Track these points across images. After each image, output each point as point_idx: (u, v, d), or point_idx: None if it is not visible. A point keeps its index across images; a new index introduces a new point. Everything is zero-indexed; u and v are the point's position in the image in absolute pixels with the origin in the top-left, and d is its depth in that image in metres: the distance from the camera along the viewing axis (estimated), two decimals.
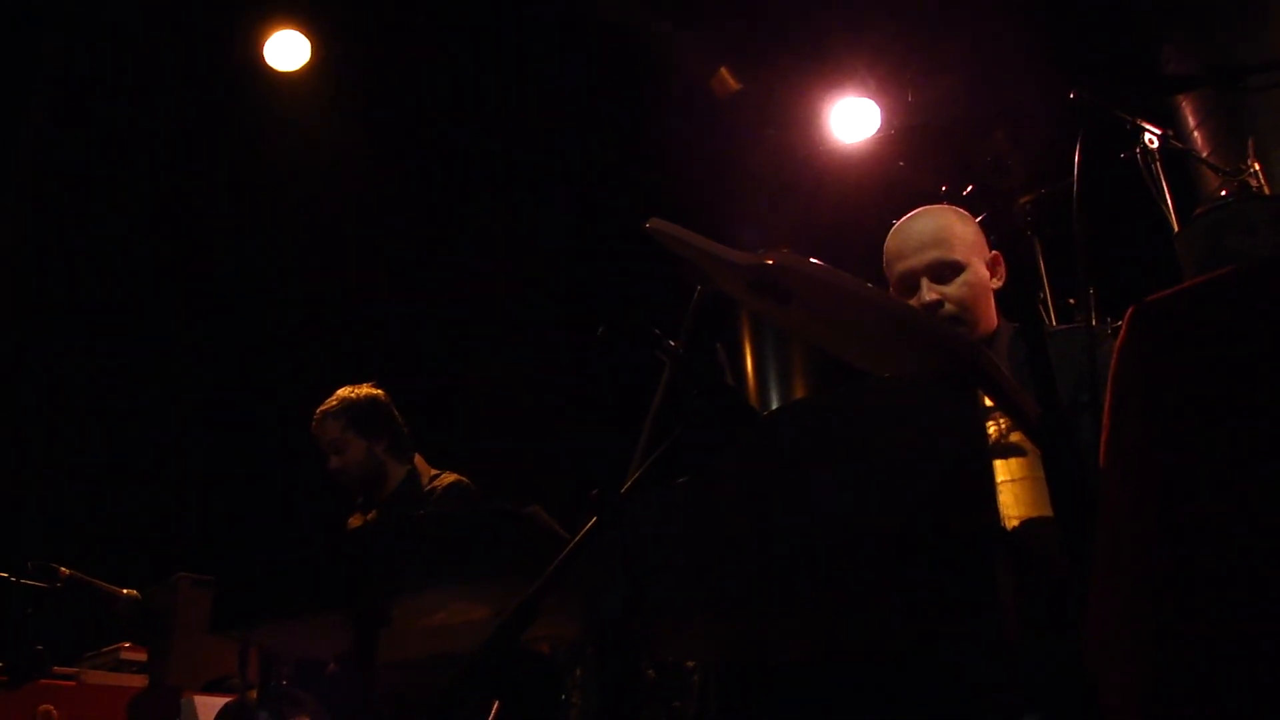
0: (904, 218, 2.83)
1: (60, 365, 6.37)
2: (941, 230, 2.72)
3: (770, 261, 1.81)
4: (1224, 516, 1.24)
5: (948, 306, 2.66)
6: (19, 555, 4.17)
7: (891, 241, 2.79)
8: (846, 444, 1.71)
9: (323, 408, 4.41)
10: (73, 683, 4.36)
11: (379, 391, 4.47)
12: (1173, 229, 3.73)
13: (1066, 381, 2.24)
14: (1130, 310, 1.32)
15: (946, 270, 2.67)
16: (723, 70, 7.33)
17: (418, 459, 4.47)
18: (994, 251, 2.77)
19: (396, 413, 4.48)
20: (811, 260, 1.79)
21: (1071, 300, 4.56)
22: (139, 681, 4.45)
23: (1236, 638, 1.21)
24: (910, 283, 2.71)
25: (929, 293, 2.66)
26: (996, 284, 2.77)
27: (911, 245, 2.71)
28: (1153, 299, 1.31)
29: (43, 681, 4.15)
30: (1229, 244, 1.59)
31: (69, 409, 6.33)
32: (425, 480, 4.39)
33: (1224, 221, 1.64)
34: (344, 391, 4.43)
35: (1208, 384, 1.28)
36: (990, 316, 2.74)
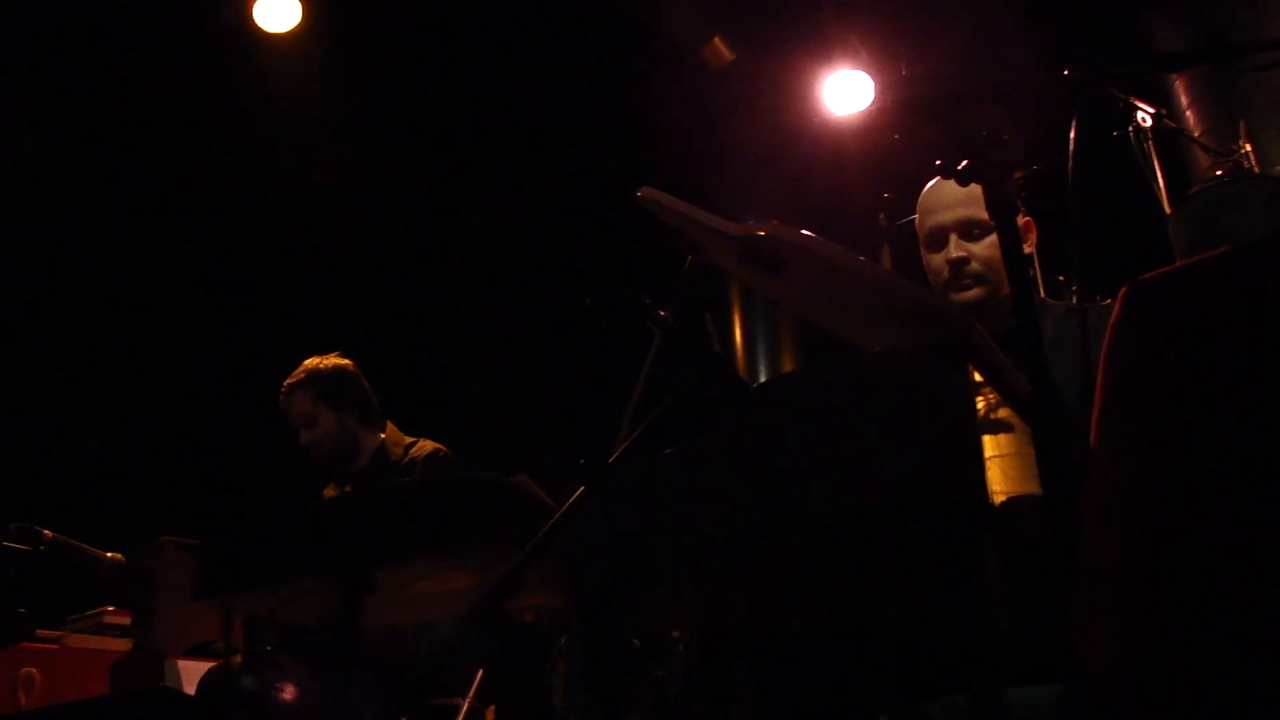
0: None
1: (44, 333, 6.34)
2: (976, 190, 2.73)
3: (762, 231, 1.80)
4: (1212, 495, 1.24)
5: (973, 265, 2.63)
6: (2, 518, 4.16)
7: (926, 196, 2.75)
8: (834, 416, 1.71)
9: (290, 380, 4.28)
10: (56, 646, 4.34)
11: (347, 361, 4.36)
12: (1164, 207, 3.74)
13: (1072, 358, 2.24)
14: (1124, 289, 1.31)
15: (976, 229, 2.63)
16: (716, 40, 7.30)
17: (390, 427, 4.39)
18: (1027, 219, 2.75)
19: (365, 381, 4.36)
20: (803, 231, 1.78)
21: (1061, 277, 4.57)
22: (122, 645, 4.44)
23: (1220, 613, 1.22)
24: (939, 238, 2.68)
25: (956, 249, 2.64)
26: (1027, 250, 2.75)
27: (944, 200, 2.67)
28: (1146, 278, 1.30)
29: (25, 645, 4.15)
30: (1223, 223, 1.59)
31: (53, 374, 6.30)
32: (401, 449, 4.31)
33: (1218, 201, 1.63)
34: (311, 362, 4.31)
35: (1200, 364, 1.28)
36: None
